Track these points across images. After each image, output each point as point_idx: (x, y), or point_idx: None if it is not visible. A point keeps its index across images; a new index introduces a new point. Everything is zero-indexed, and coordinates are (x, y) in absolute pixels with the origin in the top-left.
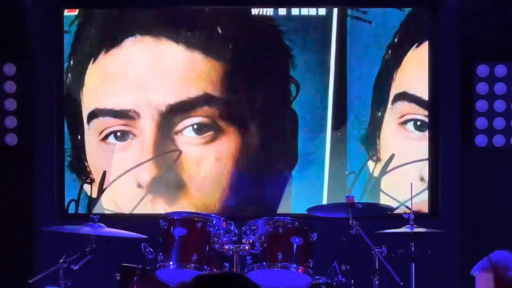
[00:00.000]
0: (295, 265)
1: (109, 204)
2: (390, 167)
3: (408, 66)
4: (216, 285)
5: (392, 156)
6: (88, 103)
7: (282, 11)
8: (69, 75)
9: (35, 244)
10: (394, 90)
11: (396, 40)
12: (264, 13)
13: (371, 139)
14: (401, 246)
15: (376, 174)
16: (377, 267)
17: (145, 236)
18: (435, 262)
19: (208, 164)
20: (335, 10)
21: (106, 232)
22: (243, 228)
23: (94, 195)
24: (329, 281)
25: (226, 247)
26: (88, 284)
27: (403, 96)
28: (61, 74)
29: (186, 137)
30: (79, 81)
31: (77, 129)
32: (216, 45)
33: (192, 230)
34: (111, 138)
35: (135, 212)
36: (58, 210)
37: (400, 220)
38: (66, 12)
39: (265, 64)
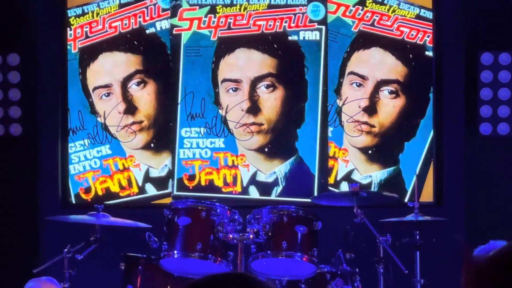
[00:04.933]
0: (299, 253)
1: None
2: None
3: None
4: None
5: None
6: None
7: None
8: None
9: (40, 234)
10: None
11: None
12: None
13: None
14: (406, 234)
15: None
16: (381, 256)
17: (150, 226)
18: (440, 250)
19: None
20: None
21: (110, 222)
22: (247, 217)
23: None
24: (334, 270)
25: (231, 236)
26: (93, 273)
27: None
28: (65, 64)
29: None
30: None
31: None
32: None
33: (197, 219)
34: None
35: None
36: (62, 200)
37: (405, 208)
38: None
39: None
